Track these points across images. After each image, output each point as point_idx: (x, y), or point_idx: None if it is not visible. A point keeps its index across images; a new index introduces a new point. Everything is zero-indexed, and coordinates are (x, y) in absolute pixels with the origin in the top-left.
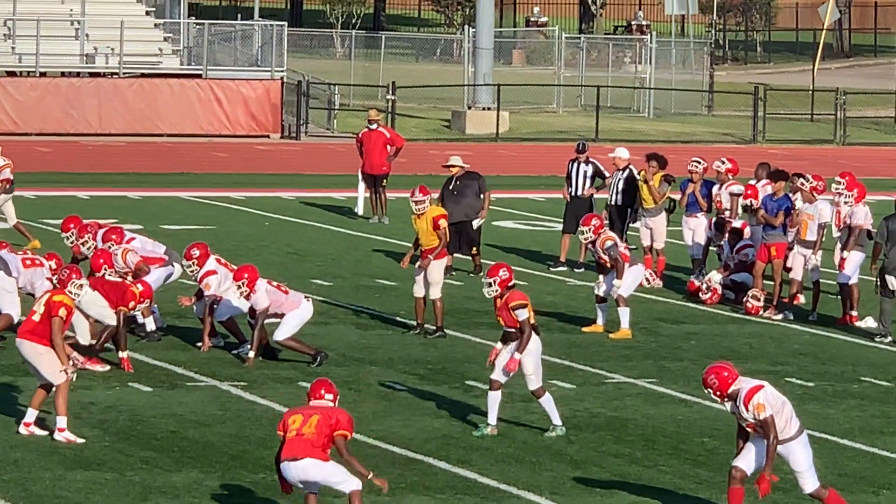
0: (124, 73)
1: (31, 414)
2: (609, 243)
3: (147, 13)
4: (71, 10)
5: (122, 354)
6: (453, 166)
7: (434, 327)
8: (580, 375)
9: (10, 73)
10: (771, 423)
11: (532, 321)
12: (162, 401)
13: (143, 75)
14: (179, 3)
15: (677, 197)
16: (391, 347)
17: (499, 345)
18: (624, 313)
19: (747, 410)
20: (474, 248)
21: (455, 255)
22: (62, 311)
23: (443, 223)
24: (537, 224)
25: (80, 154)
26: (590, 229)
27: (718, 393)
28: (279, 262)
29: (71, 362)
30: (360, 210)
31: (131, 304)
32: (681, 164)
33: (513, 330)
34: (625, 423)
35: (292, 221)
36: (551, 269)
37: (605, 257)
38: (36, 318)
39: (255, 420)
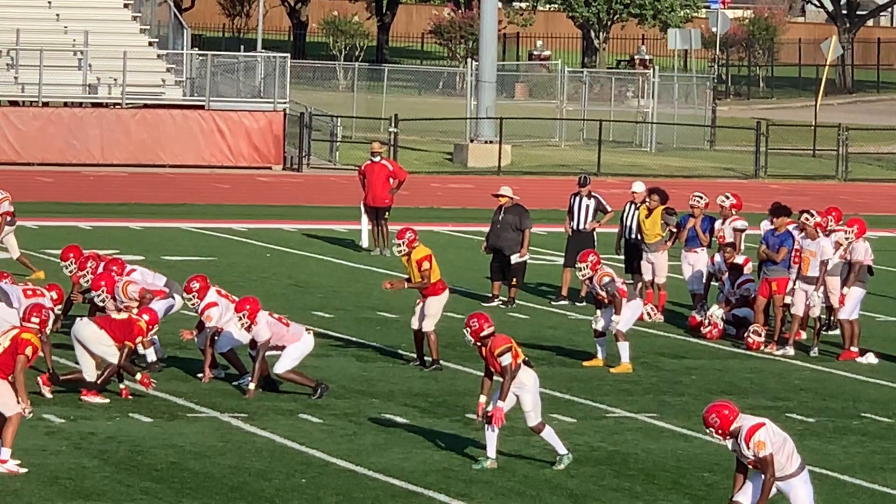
0: (127, 104)
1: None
2: (606, 279)
3: (150, 44)
4: (74, 40)
5: (122, 385)
6: (502, 196)
7: (430, 360)
8: (581, 409)
9: (13, 103)
10: (770, 461)
11: (519, 358)
12: (162, 432)
13: (145, 106)
14: (182, 34)
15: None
16: (392, 380)
17: (482, 398)
18: (623, 348)
19: (748, 448)
20: (514, 280)
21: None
22: (28, 350)
23: (426, 265)
24: (538, 258)
25: (81, 184)
26: (587, 265)
27: (720, 432)
28: (281, 293)
29: (27, 407)
30: (364, 242)
31: (138, 340)
32: (683, 199)
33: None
34: (625, 457)
35: (294, 253)
36: (553, 302)
37: (603, 293)
38: None
39: (255, 452)
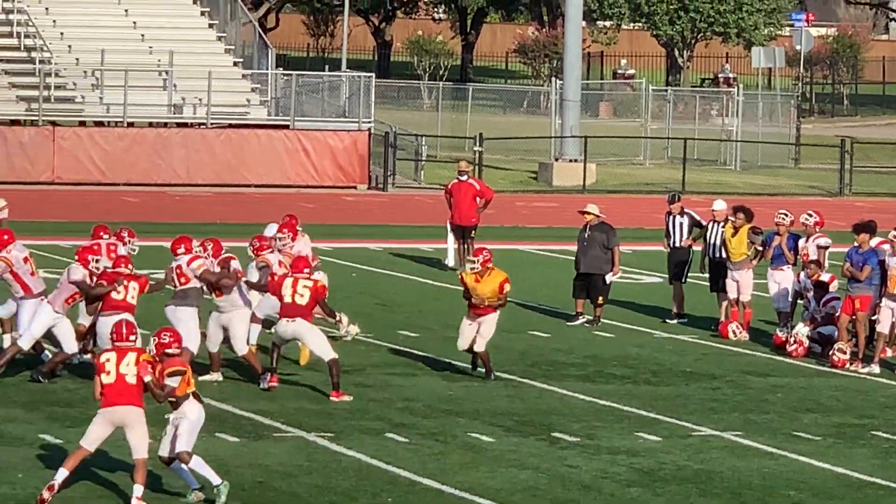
0: (212, 124)
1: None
2: None
3: (235, 64)
4: (159, 60)
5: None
6: (588, 213)
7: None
8: (666, 428)
9: (98, 123)
10: None
11: (189, 388)
12: (249, 451)
13: (230, 126)
14: (267, 55)
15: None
16: (477, 399)
17: None
18: None
19: None
20: (600, 299)
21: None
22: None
23: (507, 287)
24: (623, 276)
25: (167, 204)
26: None
27: None
28: (366, 313)
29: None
30: (450, 262)
31: None
32: (768, 217)
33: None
34: (711, 475)
35: (379, 272)
36: (668, 321)
37: None
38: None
39: (341, 471)
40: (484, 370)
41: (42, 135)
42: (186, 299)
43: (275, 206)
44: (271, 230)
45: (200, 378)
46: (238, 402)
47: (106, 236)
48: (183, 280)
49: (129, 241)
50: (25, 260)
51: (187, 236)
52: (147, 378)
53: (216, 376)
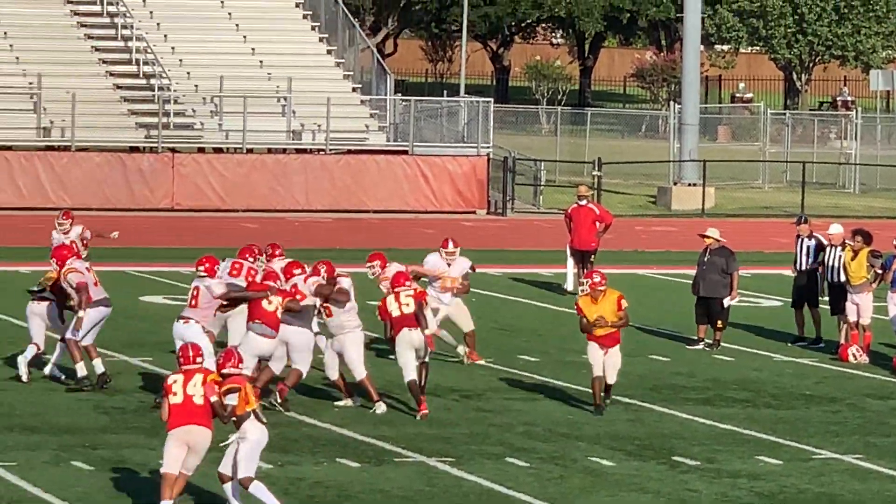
0: (331, 150)
1: None
2: None
3: (354, 90)
4: (277, 86)
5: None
6: (708, 237)
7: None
8: (787, 451)
9: (217, 150)
10: None
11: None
12: (370, 476)
13: (349, 151)
14: (386, 80)
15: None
16: (597, 423)
17: None
18: None
19: None
20: (719, 323)
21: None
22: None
23: (625, 303)
24: (743, 300)
25: (286, 230)
26: None
27: None
28: (485, 337)
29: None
30: (569, 286)
31: None
32: (887, 240)
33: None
34: (832, 498)
35: (499, 297)
36: (790, 344)
37: None
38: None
39: (462, 496)
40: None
41: (161, 162)
42: (301, 319)
43: (394, 232)
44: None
45: (337, 404)
46: (358, 427)
47: (251, 259)
48: (299, 297)
49: (258, 259)
50: (88, 270)
51: (296, 262)
52: (213, 398)
53: (348, 402)
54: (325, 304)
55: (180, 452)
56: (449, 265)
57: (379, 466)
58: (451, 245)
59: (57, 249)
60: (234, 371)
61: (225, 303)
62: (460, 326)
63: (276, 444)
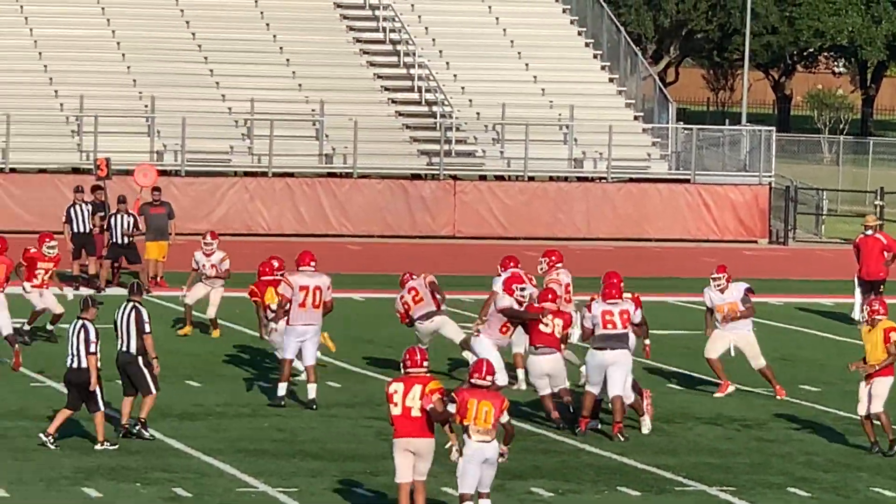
0: (612, 178)
1: None
2: None
3: (635, 118)
4: (560, 114)
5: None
6: None
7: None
8: None
9: (499, 178)
10: None
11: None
12: None
13: (630, 180)
14: (667, 109)
15: None
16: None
17: None
18: None
19: None
20: None
21: None
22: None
23: (893, 336)
24: None
25: (568, 257)
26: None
27: None
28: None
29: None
30: (856, 315)
31: None
32: None
33: None
34: None
35: (781, 327)
36: None
37: None
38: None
39: None
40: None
41: (443, 189)
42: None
43: (675, 261)
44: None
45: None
46: (639, 456)
47: (520, 268)
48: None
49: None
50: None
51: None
52: (429, 406)
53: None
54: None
55: (407, 461)
56: (722, 292)
57: (660, 495)
58: (714, 272)
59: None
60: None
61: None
62: (750, 362)
63: (558, 472)
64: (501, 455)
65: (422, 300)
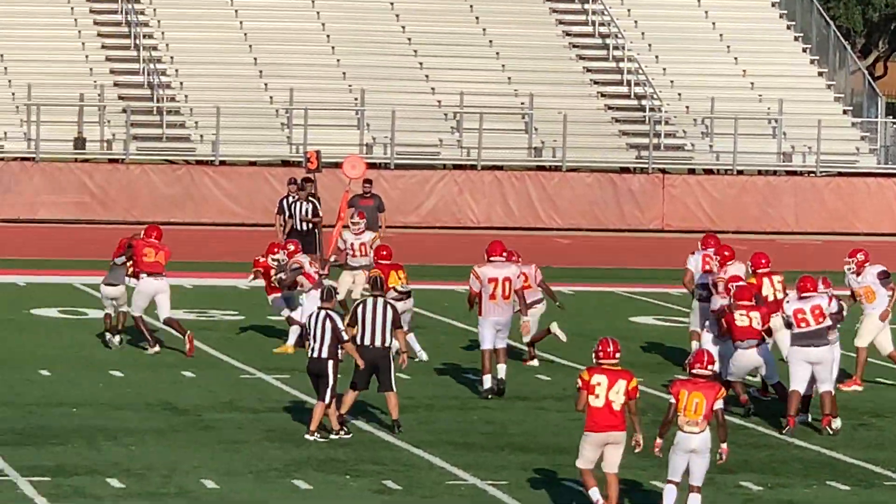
0: (821, 172)
1: None
2: None
3: (844, 112)
4: (768, 108)
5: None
6: None
7: None
8: None
9: (708, 171)
10: None
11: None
12: (859, 500)
13: (839, 174)
14: (876, 103)
15: None
16: None
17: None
18: None
19: None
20: None
21: None
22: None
23: None
24: None
25: (775, 252)
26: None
27: None
28: None
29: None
30: None
31: None
32: None
33: None
34: None
35: None
36: None
37: None
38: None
39: None
40: None
41: (652, 182)
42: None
43: (883, 254)
44: None
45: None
46: (848, 451)
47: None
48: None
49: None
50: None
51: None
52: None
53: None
54: None
55: (594, 455)
56: (857, 275)
57: (869, 490)
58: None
59: None
60: (703, 372)
61: None
62: (879, 349)
63: (767, 466)
64: (720, 456)
65: (530, 287)
